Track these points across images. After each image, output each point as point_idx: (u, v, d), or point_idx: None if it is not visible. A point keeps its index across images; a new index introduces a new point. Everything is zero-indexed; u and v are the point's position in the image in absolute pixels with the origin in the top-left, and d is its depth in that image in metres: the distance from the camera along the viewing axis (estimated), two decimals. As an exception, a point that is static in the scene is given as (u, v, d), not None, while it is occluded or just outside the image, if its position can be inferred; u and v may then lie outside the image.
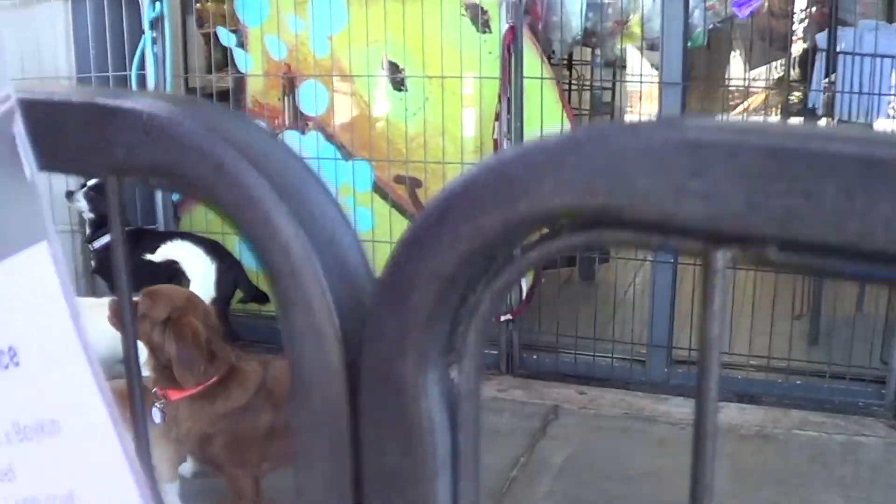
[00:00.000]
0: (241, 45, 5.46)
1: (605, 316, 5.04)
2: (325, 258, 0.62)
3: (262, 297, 5.04)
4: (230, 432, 3.13)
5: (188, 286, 4.03)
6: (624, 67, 6.22)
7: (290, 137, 5.40)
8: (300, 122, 5.40)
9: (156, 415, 3.05)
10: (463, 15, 4.96)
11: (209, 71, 5.78)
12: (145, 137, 0.64)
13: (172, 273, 4.27)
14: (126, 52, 5.20)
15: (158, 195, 5.38)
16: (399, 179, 5.30)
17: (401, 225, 5.28)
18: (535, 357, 5.07)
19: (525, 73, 4.78)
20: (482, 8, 4.93)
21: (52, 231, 0.72)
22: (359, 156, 5.32)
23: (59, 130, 0.67)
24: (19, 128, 0.64)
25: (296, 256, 0.61)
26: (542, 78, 4.84)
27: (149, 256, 4.14)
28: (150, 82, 5.18)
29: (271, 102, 5.48)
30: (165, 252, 4.16)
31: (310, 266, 0.62)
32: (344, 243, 0.65)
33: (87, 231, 4.98)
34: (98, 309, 4.15)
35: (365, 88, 5.27)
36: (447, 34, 4.98)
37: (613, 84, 6.43)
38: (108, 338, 4.26)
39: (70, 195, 4.89)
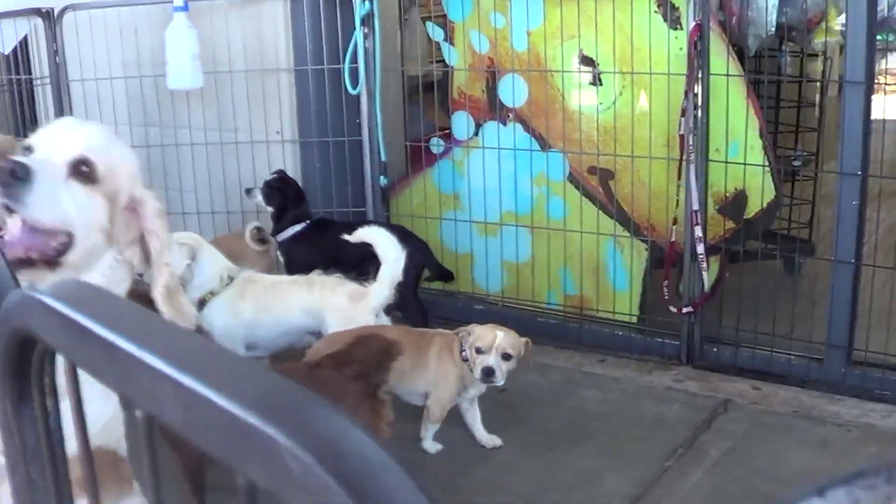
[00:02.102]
0: (448, 38, 5.75)
1: (788, 310, 5.01)
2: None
3: (446, 275, 5.41)
4: None
5: (377, 269, 4.39)
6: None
7: (491, 128, 5.67)
8: (502, 113, 5.64)
9: None
10: (655, 12, 5.05)
11: (432, 58, 6.18)
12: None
13: (364, 256, 4.64)
14: (340, 46, 5.59)
15: (368, 180, 5.75)
16: (592, 170, 5.45)
17: (591, 215, 5.44)
18: (715, 350, 5.12)
19: (711, 70, 4.83)
20: (672, 4, 5.00)
21: None
22: (554, 147, 5.52)
23: None
24: None
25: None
26: (727, 75, 4.87)
27: (346, 236, 4.52)
28: (361, 75, 5.56)
29: (475, 94, 5.75)
30: (362, 234, 4.50)
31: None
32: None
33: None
34: (298, 286, 4.58)
35: (560, 82, 5.45)
36: (638, 30, 5.08)
37: (823, 83, 6.29)
38: (300, 311, 4.70)
39: (248, 191, 5.35)
